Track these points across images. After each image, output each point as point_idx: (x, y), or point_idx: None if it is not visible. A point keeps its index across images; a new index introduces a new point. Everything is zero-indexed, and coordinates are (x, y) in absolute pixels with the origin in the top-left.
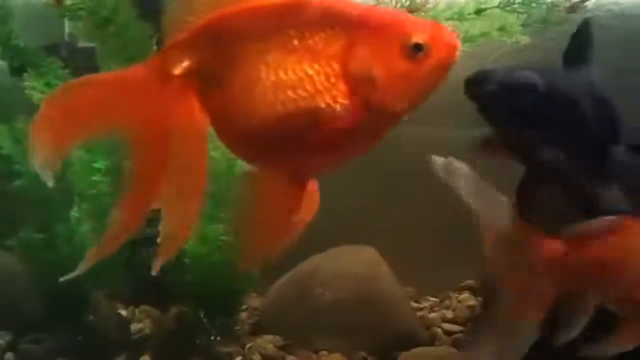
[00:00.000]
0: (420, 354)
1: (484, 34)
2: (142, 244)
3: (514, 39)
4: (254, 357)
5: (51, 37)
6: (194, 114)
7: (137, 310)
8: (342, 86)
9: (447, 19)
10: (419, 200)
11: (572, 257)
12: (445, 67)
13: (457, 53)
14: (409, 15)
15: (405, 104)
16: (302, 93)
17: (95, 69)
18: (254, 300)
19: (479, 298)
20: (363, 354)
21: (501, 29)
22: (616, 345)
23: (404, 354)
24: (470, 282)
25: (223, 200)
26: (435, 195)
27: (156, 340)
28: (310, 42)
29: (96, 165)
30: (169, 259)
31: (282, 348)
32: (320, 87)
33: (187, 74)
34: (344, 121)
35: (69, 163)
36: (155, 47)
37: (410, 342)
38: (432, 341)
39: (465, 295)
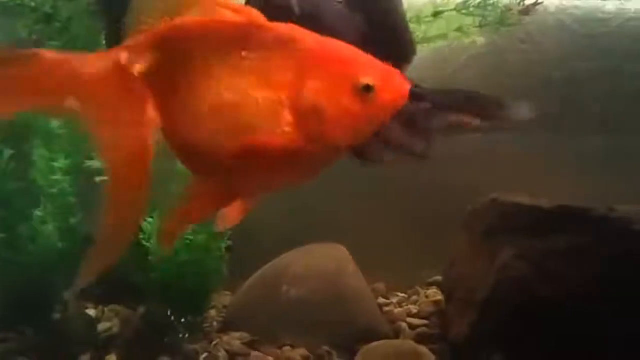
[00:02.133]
0: (380, 346)
1: (441, 35)
2: None
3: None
4: (219, 354)
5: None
6: (144, 112)
7: (106, 310)
8: (287, 115)
9: None
10: (391, 199)
11: None
12: (391, 109)
13: (405, 97)
14: (363, 55)
15: (349, 139)
16: (245, 115)
17: None
18: (225, 298)
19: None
20: (326, 348)
21: (458, 30)
22: None
23: (365, 347)
24: (438, 278)
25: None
26: (406, 194)
27: (123, 339)
28: (262, 66)
29: (57, 164)
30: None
31: (248, 344)
32: (265, 113)
33: (144, 73)
34: (285, 149)
35: (31, 163)
36: (104, 43)
37: (373, 336)
38: (396, 335)
39: (433, 290)
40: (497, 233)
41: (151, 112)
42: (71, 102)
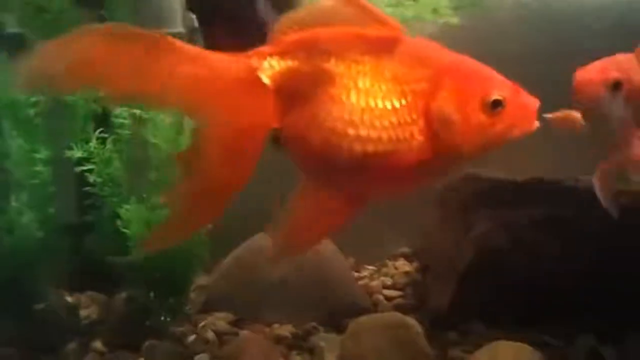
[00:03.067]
0: (368, 320)
1: (417, 16)
2: (81, 231)
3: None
4: (207, 334)
5: None
6: (265, 115)
7: (82, 297)
8: (421, 123)
9: (386, 6)
10: None
11: None
12: (518, 127)
13: (534, 114)
14: (494, 72)
15: (475, 152)
16: (385, 122)
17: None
18: (201, 279)
19: (414, 264)
20: (313, 324)
21: (434, 11)
22: None
23: (354, 322)
24: (404, 249)
25: (166, 186)
26: None
27: (107, 325)
28: (400, 76)
29: (37, 155)
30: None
31: (234, 324)
32: (402, 120)
33: (272, 81)
34: (415, 156)
35: (8, 154)
36: None
37: (355, 310)
38: (375, 307)
39: (401, 262)
40: (472, 207)
41: (272, 116)
42: (195, 97)
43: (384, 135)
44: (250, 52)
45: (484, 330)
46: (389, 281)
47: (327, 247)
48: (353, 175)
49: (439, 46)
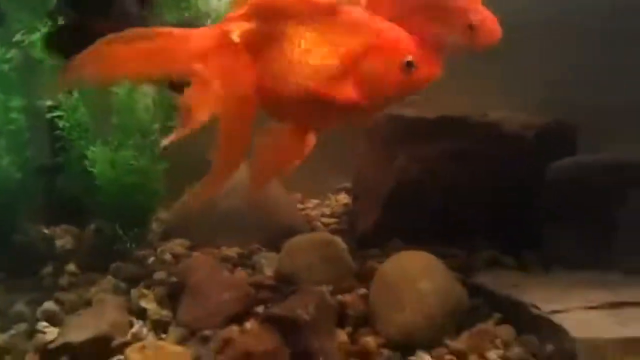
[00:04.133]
0: (298, 238)
1: None
2: (54, 171)
3: None
4: (165, 257)
5: None
6: (247, 70)
7: (57, 229)
8: (352, 75)
9: None
10: None
11: None
12: (426, 81)
13: (438, 73)
14: (409, 37)
15: (393, 99)
16: (323, 72)
17: None
18: (162, 214)
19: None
20: (257, 245)
21: None
22: None
23: (289, 241)
24: (346, 184)
25: (128, 130)
26: None
27: (80, 251)
28: (338, 39)
29: (13, 104)
30: None
31: (189, 248)
32: (337, 71)
33: (243, 39)
34: (345, 98)
35: None
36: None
37: (294, 233)
38: (312, 231)
39: (342, 195)
40: (393, 143)
41: (251, 70)
42: (192, 67)
43: (323, 82)
44: (224, 20)
45: (402, 246)
46: (328, 211)
47: (272, 182)
48: (302, 111)
49: (370, 15)
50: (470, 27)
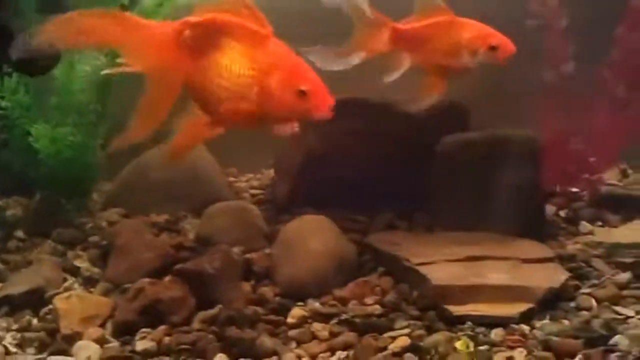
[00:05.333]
0: (217, 205)
1: None
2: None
3: None
4: (102, 223)
5: None
6: (183, 63)
7: (10, 200)
8: (258, 91)
9: None
10: None
11: None
12: (316, 112)
13: (329, 107)
14: (311, 71)
15: (285, 118)
16: (237, 83)
17: None
18: (104, 186)
19: None
20: (184, 213)
21: None
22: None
23: (208, 208)
24: None
25: (66, 109)
26: None
27: (26, 219)
28: (254, 60)
29: None
30: None
31: (124, 216)
32: (246, 85)
33: (184, 40)
34: (249, 107)
35: None
36: None
37: (219, 202)
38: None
39: (272, 170)
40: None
41: (186, 65)
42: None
43: (235, 90)
44: (177, 22)
45: (312, 212)
46: (257, 183)
47: (203, 155)
48: (217, 108)
49: (287, 48)
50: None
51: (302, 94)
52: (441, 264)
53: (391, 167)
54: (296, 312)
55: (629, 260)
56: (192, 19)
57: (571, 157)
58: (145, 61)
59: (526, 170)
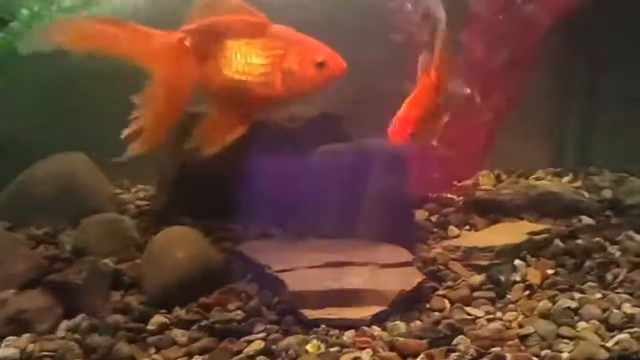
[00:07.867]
0: (92, 218)
1: None
2: None
3: None
4: None
5: None
6: (190, 69)
7: None
8: (278, 75)
9: None
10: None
11: None
12: (333, 78)
13: (344, 70)
14: (322, 44)
15: (309, 92)
16: (255, 72)
17: None
18: None
19: None
20: (64, 226)
21: None
22: None
23: (84, 220)
24: None
25: None
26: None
27: None
28: (265, 47)
29: None
30: None
31: (8, 229)
32: (265, 72)
33: (191, 46)
34: (273, 92)
35: None
36: None
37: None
38: (123, 213)
39: None
40: (182, 136)
41: (194, 68)
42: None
43: (255, 79)
44: (180, 30)
45: (190, 222)
46: (143, 195)
47: (82, 167)
48: (238, 100)
49: (287, 29)
50: None
51: (321, 65)
52: (301, 270)
53: (266, 178)
54: (157, 319)
55: (484, 263)
56: (191, 26)
57: (439, 164)
58: (154, 70)
59: (395, 178)
